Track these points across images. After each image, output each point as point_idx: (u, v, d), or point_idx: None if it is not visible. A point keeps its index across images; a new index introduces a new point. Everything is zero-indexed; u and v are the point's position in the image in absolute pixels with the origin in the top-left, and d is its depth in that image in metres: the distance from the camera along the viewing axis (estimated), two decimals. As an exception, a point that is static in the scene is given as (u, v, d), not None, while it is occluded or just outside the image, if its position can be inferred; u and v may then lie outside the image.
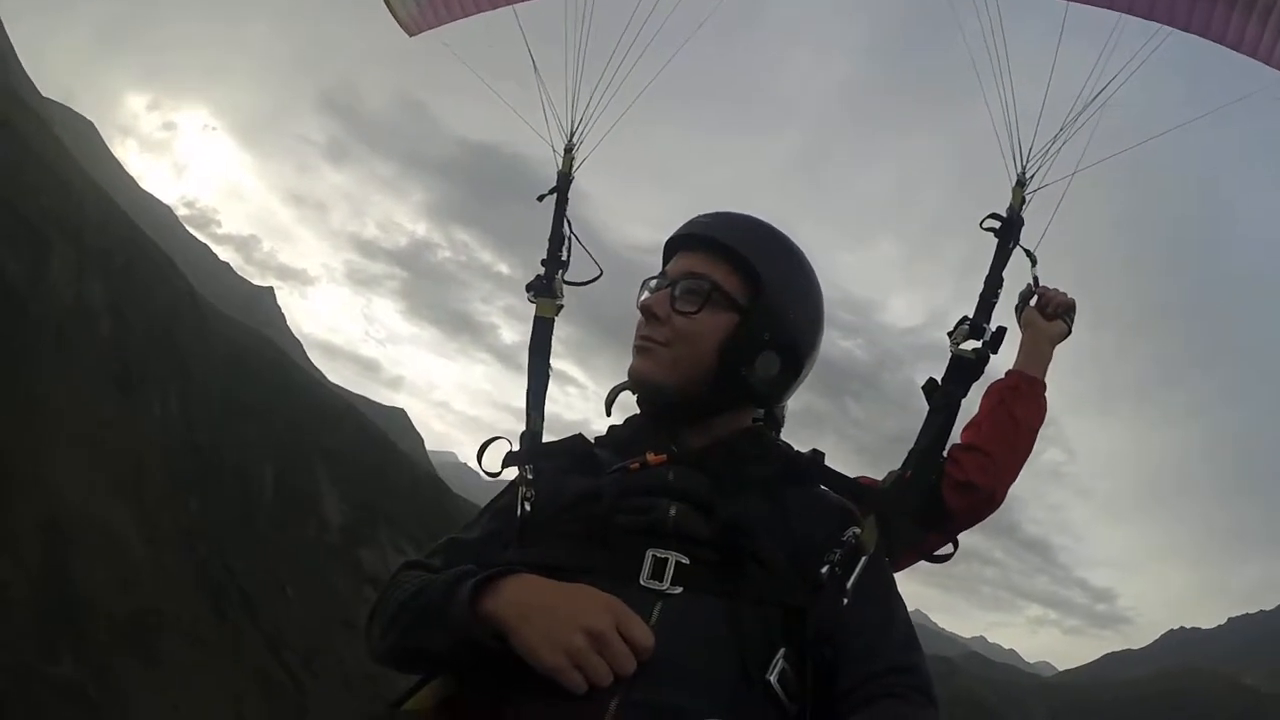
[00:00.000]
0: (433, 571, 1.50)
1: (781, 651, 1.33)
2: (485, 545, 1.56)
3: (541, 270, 2.08)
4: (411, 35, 2.75)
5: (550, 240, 2.11)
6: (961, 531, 2.16)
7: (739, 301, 1.60)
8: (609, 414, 1.76)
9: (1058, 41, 2.17)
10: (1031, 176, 2.06)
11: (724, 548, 1.41)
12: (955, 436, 2.10)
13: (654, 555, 1.38)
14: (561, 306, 2.03)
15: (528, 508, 1.56)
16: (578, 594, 1.30)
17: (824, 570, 1.43)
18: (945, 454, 2.13)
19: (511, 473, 1.70)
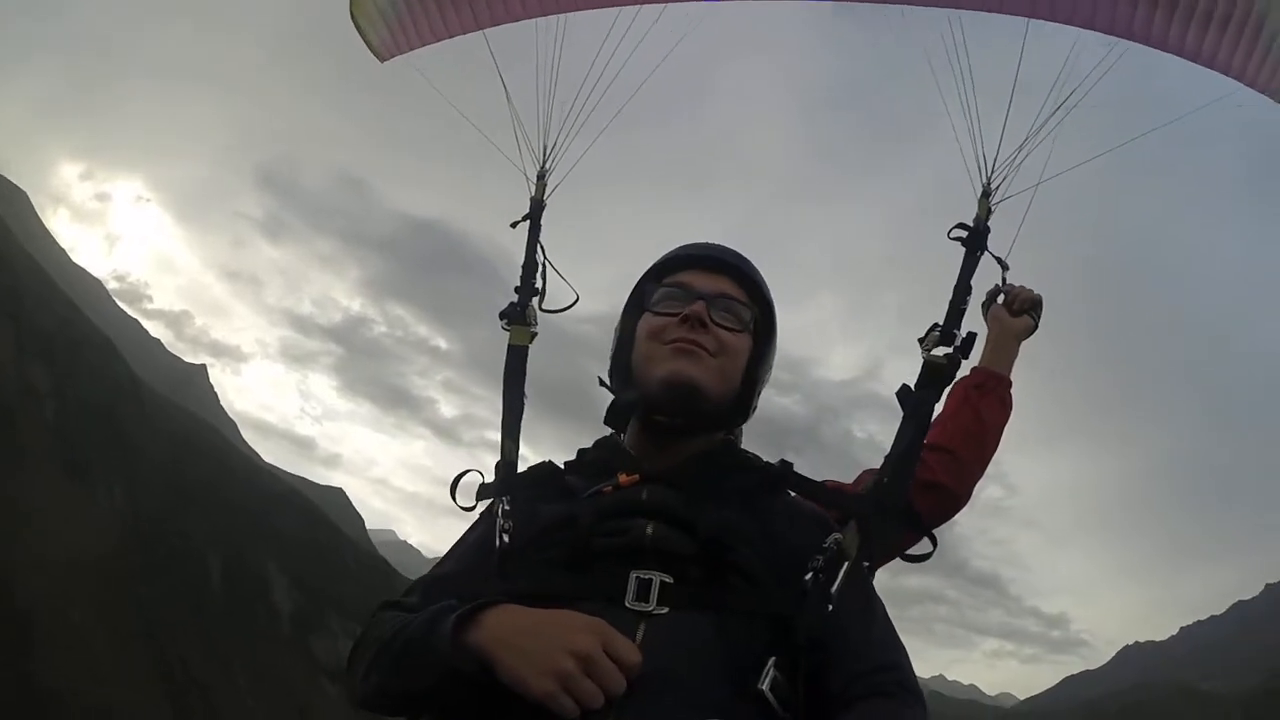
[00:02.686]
0: (410, 611, 1.45)
1: (772, 660, 1.31)
2: (463, 580, 1.52)
3: (515, 297, 2.03)
4: (383, 60, 2.72)
5: (524, 267, 2.07)
6: (931, 529, 2.05)
7: (755, 334, 1.70)
8: (621, 427, 1.73)
9: (1020, 55, 2.22)
10: (997, 187, 2.10)
11: (707, 562, 1.40)
12: None
13: (637, 577, 1.37)
14: (535, 334, 1.99)
15: (506, 539, 1.53)
16: (560, 618, 1.28)
17: (808, 578, 1.43)
18: None
19: (483, 506, 1.69)
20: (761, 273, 1.78)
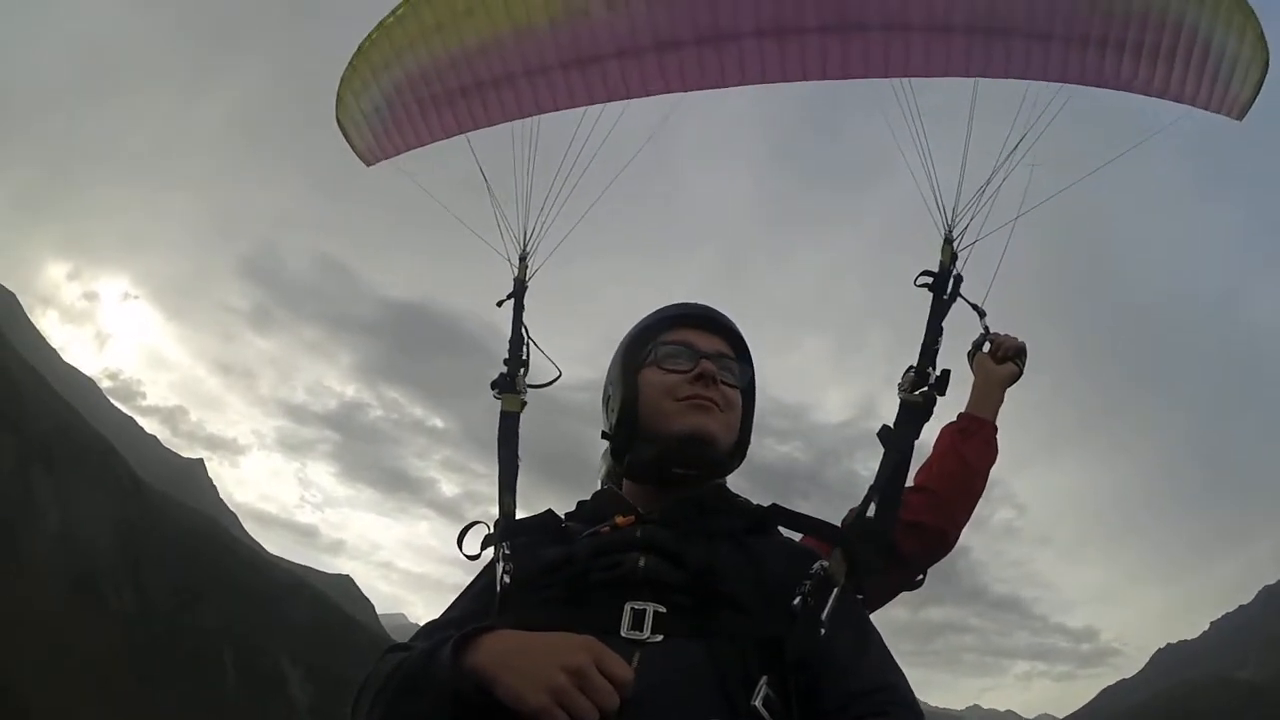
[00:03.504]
0: None
1: (764, 679, 1.35)
2: (466, 622, 1.53)
3: (504, 369, 2.19)
4: (369, 165, 2.81)
5: (510, 342, 2.23)
6: (924, 568, 2.22)
7: (745, 389, 1.84)
8: (642, 479, 1.79)
9: (971, 106, 2.28)
10: (961, 233, 2.14)
11: (697, 592, 1.46)
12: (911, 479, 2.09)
13: (632, 608, 1.43)
14: (525, 403, 2.14)
15: (507, 580, 1.60)
16: (554, 638, 1.33)
17: (796, 602, 1.47)
18: None
19: (489, 555, 1.75)
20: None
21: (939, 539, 2.21)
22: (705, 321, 1.84)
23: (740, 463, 1.85)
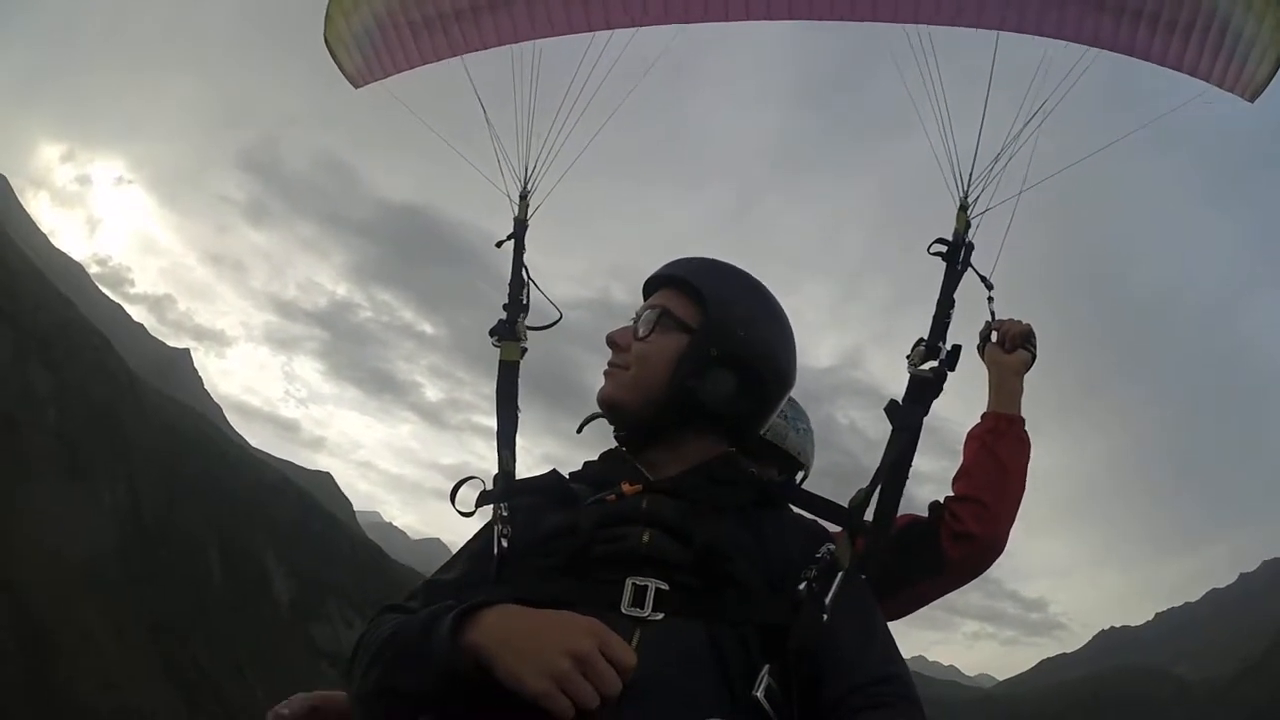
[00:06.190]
0: (411, 614, 1.45)
1: (766, 668, 1.33)
2: (464, 584, 1.52)
3: (504, 315, 2.07)
4: (357, 87, 2.66)
5: (510, 285, 2.11)
6: (967, 581, 2.24)
7: (688, 323, 1.64)
8: (579, 431, 1.79)
9: (991, 68, 2.19)
10: (975, 200, 2.07)
11: (701, 571, 1.42)
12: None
13: (633, 583, 1.39)
14: (526, 350, 2.03)
15: (504, 544, 1.54)
16: (558, 619, 1.28)
17: (801, 588, 1.44)
18: (942, 504, 2.20)
19: (486, 513, 1.68)
20: (707, 262, 1.74)
21: (990, 547, 2.20)
22: (651, 283, 1.76)
23: (691, 408, 1.61)
